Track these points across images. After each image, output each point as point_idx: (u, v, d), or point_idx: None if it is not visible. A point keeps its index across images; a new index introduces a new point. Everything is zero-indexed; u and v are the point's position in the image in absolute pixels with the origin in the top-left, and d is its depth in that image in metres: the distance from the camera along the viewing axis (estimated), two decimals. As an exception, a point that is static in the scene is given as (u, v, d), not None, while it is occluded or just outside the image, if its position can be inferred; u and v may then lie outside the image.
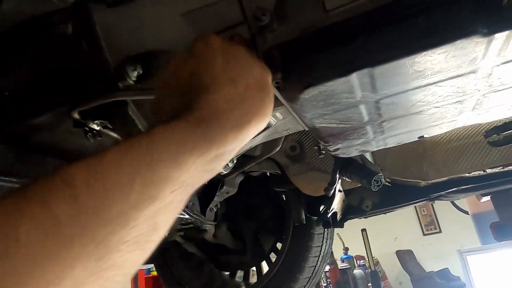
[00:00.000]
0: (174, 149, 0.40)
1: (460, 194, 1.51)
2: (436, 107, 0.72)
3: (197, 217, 1.49)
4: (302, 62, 0.59)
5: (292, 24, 0.59)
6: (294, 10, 0.59)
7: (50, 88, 0.76)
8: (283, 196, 2.06)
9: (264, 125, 0.51)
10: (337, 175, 1.21)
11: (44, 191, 0.32)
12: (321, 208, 1.52)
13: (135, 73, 0.69)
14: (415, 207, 6.60)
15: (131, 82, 0.70)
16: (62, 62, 0.72)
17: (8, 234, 0.29)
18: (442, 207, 5.96)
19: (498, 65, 0.59)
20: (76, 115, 0.74)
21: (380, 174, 1.11)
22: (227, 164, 1.09)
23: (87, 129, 0.78)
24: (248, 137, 0.48)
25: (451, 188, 1.41)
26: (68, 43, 0.70)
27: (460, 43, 0.51)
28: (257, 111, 0.49)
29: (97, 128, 0.78)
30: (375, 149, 0.96)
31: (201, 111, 0.44)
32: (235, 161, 1.12)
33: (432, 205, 6.32)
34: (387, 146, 0.95)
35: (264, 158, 1.35)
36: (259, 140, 0.99)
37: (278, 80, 0.59)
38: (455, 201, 2.53)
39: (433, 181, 1.37)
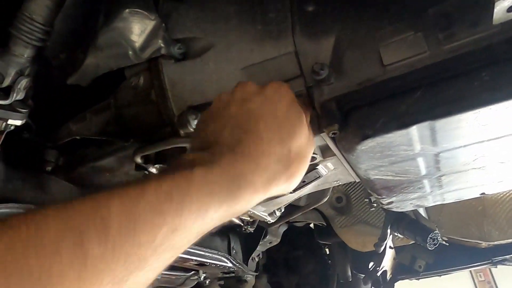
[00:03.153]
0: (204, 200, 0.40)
1: (528, 259, 1.36)
2: (502, 162, 0.69)
3: (239, 266, 1.46)
4: (360, 114, 0.59)
5: (350, 78, 0.61)
6: (352, 65, 0.61)
7: (118, 133, 0.82)
8: (327, 249, 1.98)
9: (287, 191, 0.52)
10: (389, 230, 1.15)
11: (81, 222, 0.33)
12: (370, 265, 1.43)
13: (196, 122, 0.74)
14: (470, 271, 5.97)
15: (191, 129, 0.74)
16: (132, 110, 0.78)
17: None
18: (502, 273, 5.34)
19: None
20: (139, 160, 0.79)
21: (437, 231, 1.05)
22: (275, 212, 1.08)
23: (147, 173, 0.82)
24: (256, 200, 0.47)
25: (517, 252, 1.28)
26: (138, 93, 0.77)
27: (529, 98, 0.49)
28: (286, 179, 0.50)
29: (156, 173, 0.82)
30: (432, 204, 0.92)
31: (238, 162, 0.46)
32: (282, 210, 1.11)
33: (490, 270, 5.66)
34: (444, 202, 0.90)
35: (310, 208, 1.33)
36: (308, 190, 0.98)
37: (335, 131, 0.60)
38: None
39: (496, 242, 1.25)
